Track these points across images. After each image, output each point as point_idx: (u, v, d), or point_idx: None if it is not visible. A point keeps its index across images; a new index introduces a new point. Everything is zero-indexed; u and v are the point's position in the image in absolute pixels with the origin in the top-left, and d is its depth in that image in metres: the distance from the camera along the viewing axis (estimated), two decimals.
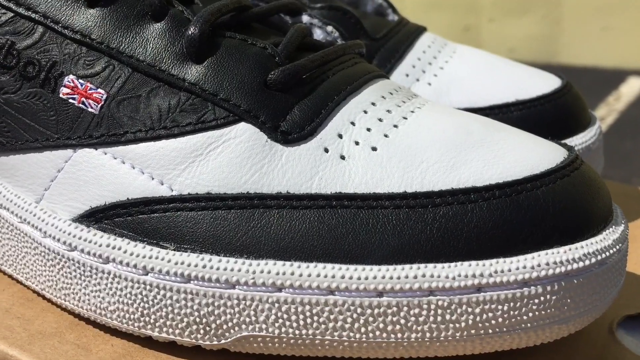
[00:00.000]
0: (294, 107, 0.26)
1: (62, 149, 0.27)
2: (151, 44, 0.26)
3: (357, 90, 0.27)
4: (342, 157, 0.25)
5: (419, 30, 0.42)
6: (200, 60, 0.26)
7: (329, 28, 0.32)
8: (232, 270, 0.23)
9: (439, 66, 0.39)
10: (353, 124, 0.26)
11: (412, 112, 0.27)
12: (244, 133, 0.25)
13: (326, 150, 0.25)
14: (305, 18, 0.32)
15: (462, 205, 0.23)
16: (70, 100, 0.27)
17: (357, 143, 0.25)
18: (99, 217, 0.26)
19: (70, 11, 0.27)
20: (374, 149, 0.25)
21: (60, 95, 0.27)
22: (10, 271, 0.29)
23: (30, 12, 0.27)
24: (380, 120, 0.26)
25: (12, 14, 0.27)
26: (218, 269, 0.23)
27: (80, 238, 0.25)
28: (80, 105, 0.26)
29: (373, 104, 0.27)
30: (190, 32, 0.26)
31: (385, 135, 0.25)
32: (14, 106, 0.27)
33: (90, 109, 0.26)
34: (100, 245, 0.25)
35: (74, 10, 0.27)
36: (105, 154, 0.26)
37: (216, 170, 0.25)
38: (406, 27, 0.42)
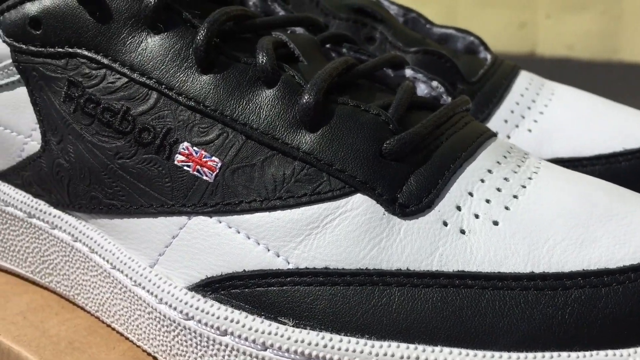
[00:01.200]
0: (409, 177, 0.25)
1: (176, 215, 0.27)
2: (264, 111, 0.26)
3: (472, 156, 0.26)
4: (462, 232, 0.24)
5: (515, 71, 0.41)
6: (314, 128, 0.26)
7: (434, 83, 0.31)
8: (354, 351, 0.23)
9: (539, 110, 0.38)
10: (471, 194, 0.25)
11: (530, 178, 0.26)
12: (361, 205, 0.25)
13: (445, 224, 0.24)
14: (408, 72, 0.32)
15: (595, 289, 0.22)
16: (185, 168, 0.27)
17: (477, 216, 0.25)
18: (215, 287, 0.26)
19: (184, 77, 0.27)
20: (496, 223, 0.24)
21: (176, 162, 0.27)
22: (121, 329, 0.29)
23: (144, 78, 0.27)
24: (498, 190, 0.25)
25: (126, 80, 0.28)
26: (339, 349, 0.23)
27: (197, 308, 0.26)
28: (195, 173, 0.27)
29: (489, 171, 0.26)
30: (304, 101, 0.26)
31: (506, 208, 0.25)
32: (129, 171, 0.28)
33: (205, 177, 0.26)
34: (217, 317, 0.25)
35: (188, 76, 0.27)
36: (220, 222, 0.26)
37: (333, 244, 0.25)
38: (501, 68, 0.41)
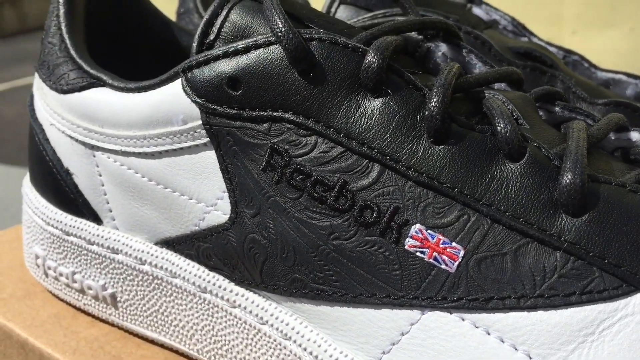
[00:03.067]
0: None
1: (406, 308, 0.23)
2: (512, 191, 0.23)
3: None
4: None
5: None
6: (578, 213, 0.22)
7: None
8: None
9: None
10: None
11: None
12: None
13: None
14: (635, 135, 0.28)
15: None
16: (419, 254, 0.23)
17: None
18: None
19: (412, 148, 0.24)
20: None
21: (406, 247, 0.23)
22: None
23: (364, 148, 0.24)
24: None
25: (342, 149, 0.24)
26: None
27: None
28: (432, 260, 0.23)
29: None
30: (568, 181, 0.22)
31: None
32: (346, 254, 0.24)
33: (444, 266, 0.23)
34: None
35: (417, 147, 0.24)
36: (464, 320, 0.22)
37: (615, 355, 0.21)
38: None
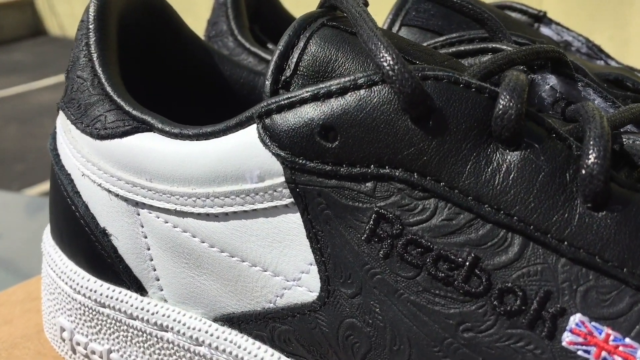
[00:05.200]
0: None
1: None
2: None
3: None
4: None
5: None
6: None
7: None
8: None
9: None
10: None
11: None
12: None
13: None
14: None
15: None
16: (581, 354, 0.18)
17: None
18: None
19: (565, 215, 0.19)
20: None
21: (564, 343, 0.18)
22: None
23: (501, 215, 0.19)
24: None
25: (472, 216, 0.19)
26: None
27: None
28: None
29: None
30: None
31: None
32: (483, 351, 0.19)
33: None
34: None
35: (571, 214, 0.19)
36: None
37: None
38: None
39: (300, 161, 0.21)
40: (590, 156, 0.19)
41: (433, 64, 0.22)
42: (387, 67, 0.20)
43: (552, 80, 0.26)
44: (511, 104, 0.19)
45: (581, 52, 0.38)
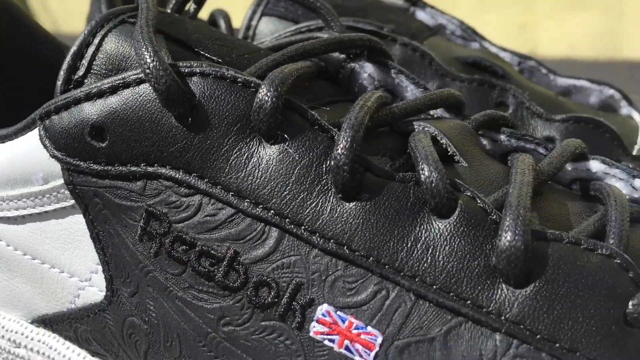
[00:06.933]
0: None
1: None
2: (440, 257, 0.18)
3: None
4: None
5: None
6: (521, 284, 0.18)
7: (637, 182, 0.23)
8: None
9: None
10: None
11: None
12: None
13: None
14: (594, 165, 0.24)
15: None
16: (327, 342, 0.18)
17: None
18: None
19: (317, 207, 0.19)
20: None
21: (311, 334, 0.19)
22: None
23: (259, 209, 0.19)
24: None
25: (233, 211, 0.20)
26: None
27: None
28: (343, 350, 0.18)
29: None
30: (507, 244, 0.17)
31: None
32: (240, 344, 0.19)
33: (357, 358, 0.18)
34: None
35: (323, 205, 0.19)
36: None
37: None
38: None
39: (75, 162, 0.21)
40: (338, 146, 0.19)
41: (229, 57, 0.22)
42: (144, 65, 0.20)
43: (369, 68, 0.26)
44: (267, 96, 0.19)
45: (455, 34, 0.39)
